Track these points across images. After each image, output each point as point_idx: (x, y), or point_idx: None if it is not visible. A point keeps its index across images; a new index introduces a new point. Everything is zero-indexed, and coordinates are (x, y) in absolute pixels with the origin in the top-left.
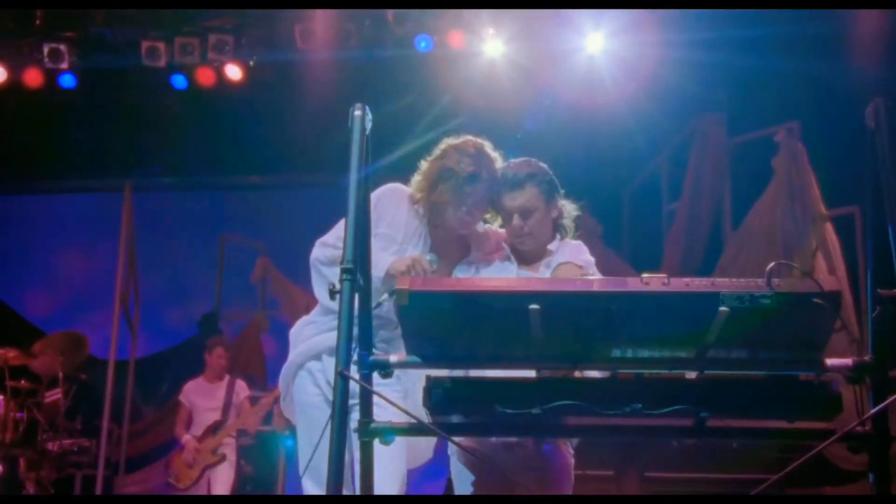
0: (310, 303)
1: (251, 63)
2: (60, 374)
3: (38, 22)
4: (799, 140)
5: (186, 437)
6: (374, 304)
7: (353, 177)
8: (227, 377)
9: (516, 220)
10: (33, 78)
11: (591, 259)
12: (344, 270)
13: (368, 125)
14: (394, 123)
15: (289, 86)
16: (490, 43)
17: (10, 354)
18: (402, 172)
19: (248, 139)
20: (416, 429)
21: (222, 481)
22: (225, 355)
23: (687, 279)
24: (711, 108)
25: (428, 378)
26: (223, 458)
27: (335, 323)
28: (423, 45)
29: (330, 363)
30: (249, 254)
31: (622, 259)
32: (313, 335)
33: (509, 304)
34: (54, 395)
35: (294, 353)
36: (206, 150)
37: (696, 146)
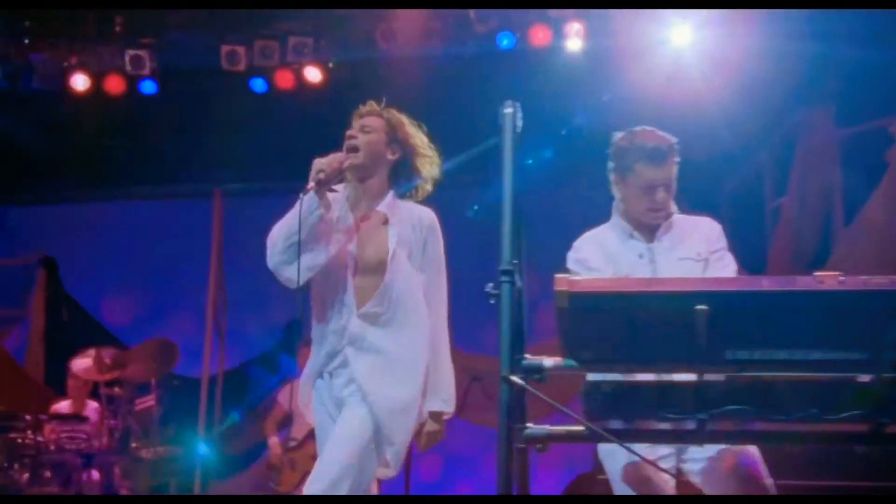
0: None
1: (330, 65)
2: (153, 381)
3: (117, 28)
4: None
5: (273, 440)
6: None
7: (507, 177)
8: None
9: (661, 194)
10: (115, 85)
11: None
12: (503, 272)
13: (519, 123)
14: (478, 122)
15: (369, 86)
16: (572, 39)
17: (105, 361)
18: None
19: (330, 142)
20: (577, 435)
21: None
22: None
23: (863, 277)
24: (817, 101)
25: (586, 381)
26: None
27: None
28: (505, 42)
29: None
30: None
31: None
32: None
33: (674, 304)
34: (146, 402)
35: (305, 371)
36: (288, 153)
37: (803, 140)
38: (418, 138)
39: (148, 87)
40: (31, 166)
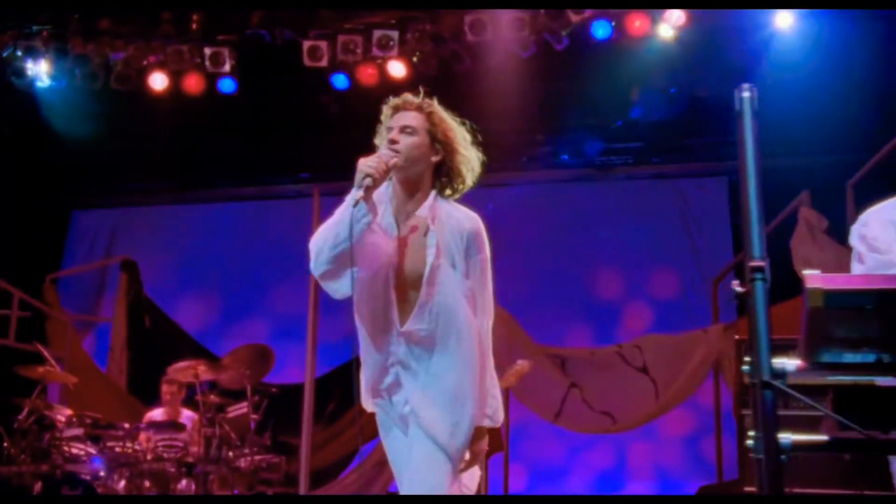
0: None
1: (415, 59)
2: (248, 388)
3: (194, 26)
4: None
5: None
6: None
7: (749, 165)
8: None
9: None
10: (194, 83)
11: None
12: (753, 269)
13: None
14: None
15: (454, 80)
16: (664, 26)
17: (200, 368)
18: None
19: None
20: (838, 444)
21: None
22: None
23: None
24: None
25: (835, 388)
26: None
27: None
28: (601, 31)
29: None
30: None
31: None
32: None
33: None
34: (240, 410)
35: (362, 389)
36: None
37: None
38: (460, 136)
39: (227, 85)
40: (108, 168)
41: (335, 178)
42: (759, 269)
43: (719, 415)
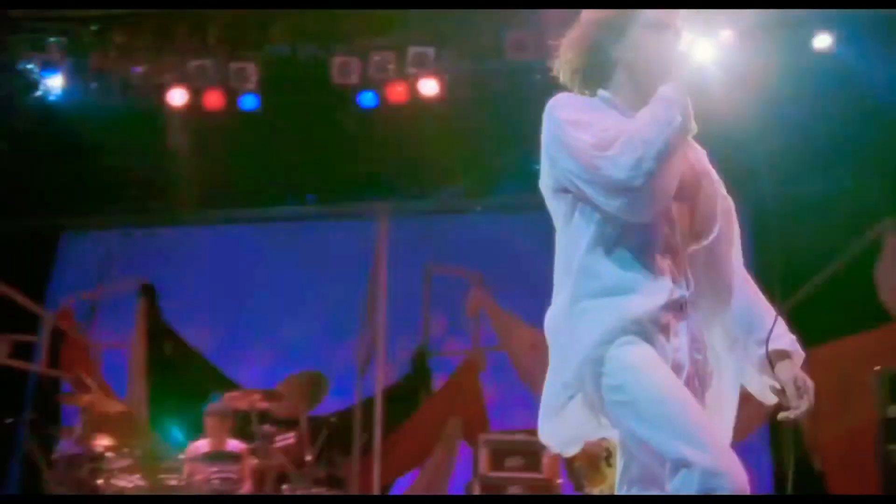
0: (535, 338)
1: (447, 77)
2: (302, 418)
3: (212, 40)
4: None
5: None
6: None
7: None
8: None
9: None
10: (214, 100)
11: None
12: None
13: None
14: None
15: (490, 100)
16: (702, 43)
17: (255, 397)
18: None
19: (450, 159)
20: None
21: None
22: None
23: None
24: None
25: None
26: None
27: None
28: None
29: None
30: (459, 285)
31: None
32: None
33: None
34: (287, 440)
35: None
36: (404, 172)
37: None
38: None
39: (249, 101)
40: (126, 186)
41: (351, 198)
42: None
43: None
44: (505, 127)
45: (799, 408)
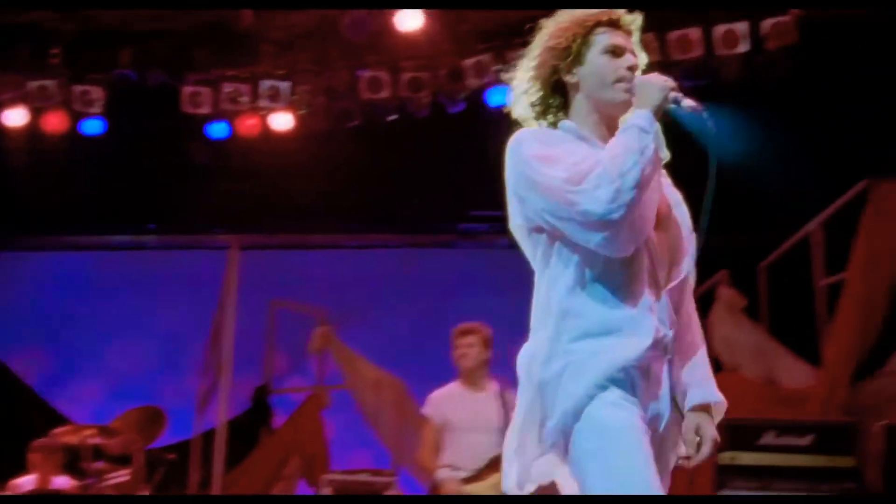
0: (379, 376)
1: (301, 112)
2: (137, 454)
3: (56, 60)
4: None
5: (443, 473)
6: None
7: None
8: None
9: None
10: (56, 122)
11: None
12: None
13: None
14: None
15: (341, 136)
16: None
17: (87, 433)
18: None
19: (299, 195)
20: None
21: None
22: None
23: None
24: (887, 172)
25: None
26: None
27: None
28: (496, 98)
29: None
30: (305, 321)
31: (768, 336)
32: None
33: None
34: (120, 477)
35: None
36: (254, 204)
37: (870, 213)
38: None
39: (92, 126)
40: None
41: (198, 229)
42: None
43: None
44: (358, 163)
45: (691, 459)
